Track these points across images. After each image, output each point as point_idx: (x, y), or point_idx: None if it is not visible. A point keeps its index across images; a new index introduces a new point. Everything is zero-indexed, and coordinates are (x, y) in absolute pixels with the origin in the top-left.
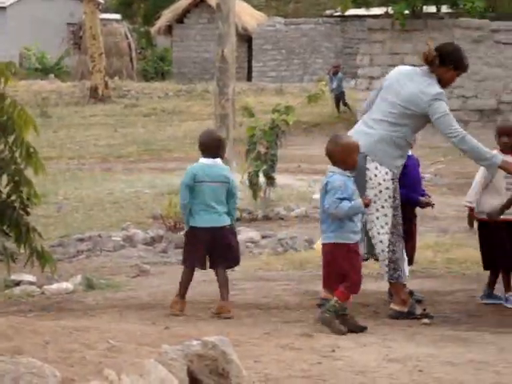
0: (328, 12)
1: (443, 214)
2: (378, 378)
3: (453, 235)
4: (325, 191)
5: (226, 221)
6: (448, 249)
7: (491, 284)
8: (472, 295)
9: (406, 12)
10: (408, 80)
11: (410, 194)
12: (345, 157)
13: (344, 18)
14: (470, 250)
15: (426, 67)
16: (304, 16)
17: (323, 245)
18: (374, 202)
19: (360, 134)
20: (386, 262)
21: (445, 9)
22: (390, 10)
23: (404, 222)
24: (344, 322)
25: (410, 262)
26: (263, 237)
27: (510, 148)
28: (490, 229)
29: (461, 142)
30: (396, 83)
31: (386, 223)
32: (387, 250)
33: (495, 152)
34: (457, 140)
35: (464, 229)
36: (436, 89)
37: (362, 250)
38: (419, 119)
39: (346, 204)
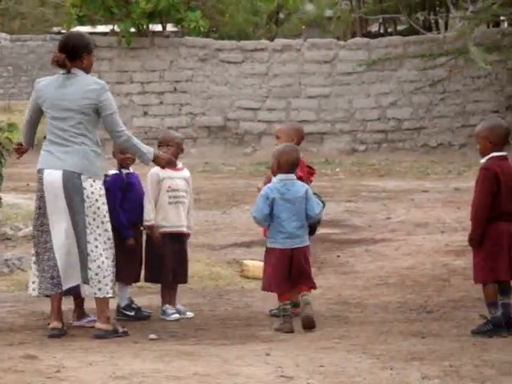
0: (55, 29)
1: None
2: None
3: None
4: (305, 198)
5: None
6: None
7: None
8: (199, 309)
9: (132, 30)
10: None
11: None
12: None
13: None
14: (195, 265)
15: (63, 71)
16: (30, 33)
17: (301, 248)
18: (94, 220)
19: (61, 153)
20: (111, 277)
21: (170, 27)
22: (116, 28)
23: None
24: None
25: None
26: None
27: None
28: (154, 243)
29: (127, 141)
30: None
31: (109, 238)
32: (112, 265)
33: (151, 148)
34: (124, 139)
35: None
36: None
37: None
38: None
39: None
